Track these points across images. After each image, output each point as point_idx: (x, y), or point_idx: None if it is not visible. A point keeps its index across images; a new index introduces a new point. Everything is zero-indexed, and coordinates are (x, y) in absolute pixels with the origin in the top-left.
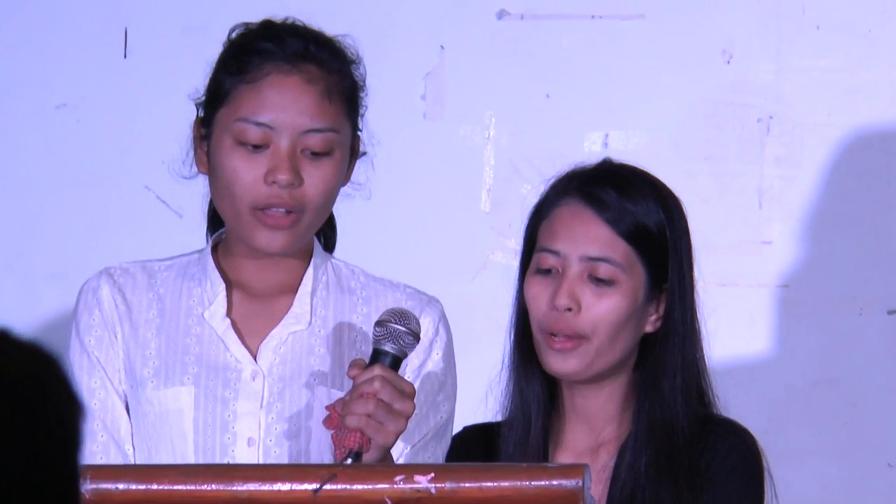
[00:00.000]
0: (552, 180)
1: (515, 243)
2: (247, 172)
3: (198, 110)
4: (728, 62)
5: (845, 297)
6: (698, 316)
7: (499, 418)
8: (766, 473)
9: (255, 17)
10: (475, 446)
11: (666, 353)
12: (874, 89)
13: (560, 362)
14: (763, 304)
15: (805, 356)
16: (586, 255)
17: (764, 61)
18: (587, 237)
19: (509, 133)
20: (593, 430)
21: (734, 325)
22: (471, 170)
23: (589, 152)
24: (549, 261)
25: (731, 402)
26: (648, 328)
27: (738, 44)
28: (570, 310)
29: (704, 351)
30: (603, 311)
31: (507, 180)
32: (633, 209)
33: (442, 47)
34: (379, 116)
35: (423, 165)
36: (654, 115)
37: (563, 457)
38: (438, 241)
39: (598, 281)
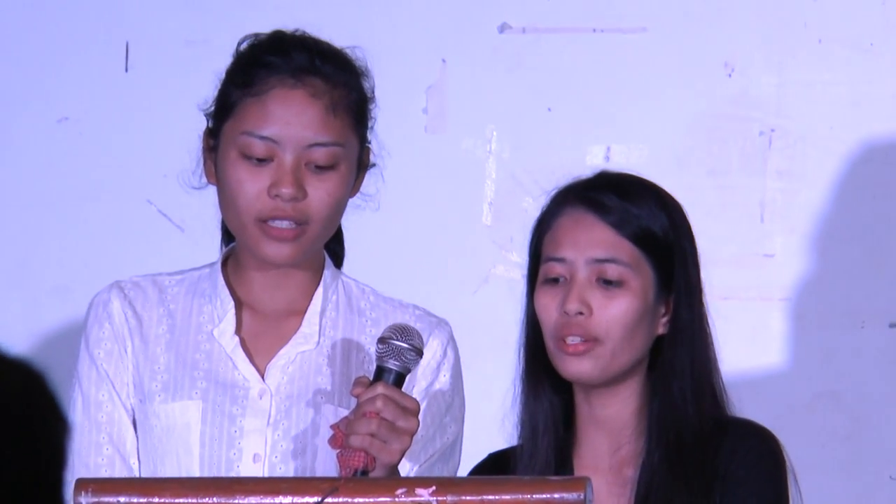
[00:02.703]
0: (552, 193)
1: (518, 256)
2: (251, 185)
3: (207, 121)
4: (730, 75)
5: (847, 310)
6: (708, 317)
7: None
8: (789, 474)
9: (257, 30)
10: (497, 472)
11: (674, 353)
12: (876, 102)
13: (575, 365)
14: (765, 318)
15: (807, 369)
16: (593, 258)
17: (766, 75)
18: (592, 241)
19: (511, 146)
20: (612, 437)
21: (736, 339)
22: (472, 183)
23: (591, 166)
24: (557, 269)
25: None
26: (660, 330)
27: (739, 57)
28: (581, 314)
29: (716, 352)
30: (614, 312)
31: (509, 193)
32: (636, 212)
33: (444, 61)
34: (381, 129)
35: (425, 179)
36: (655, 128)
37: (587, 472)
38: (440, 254)
39: (608, 283)
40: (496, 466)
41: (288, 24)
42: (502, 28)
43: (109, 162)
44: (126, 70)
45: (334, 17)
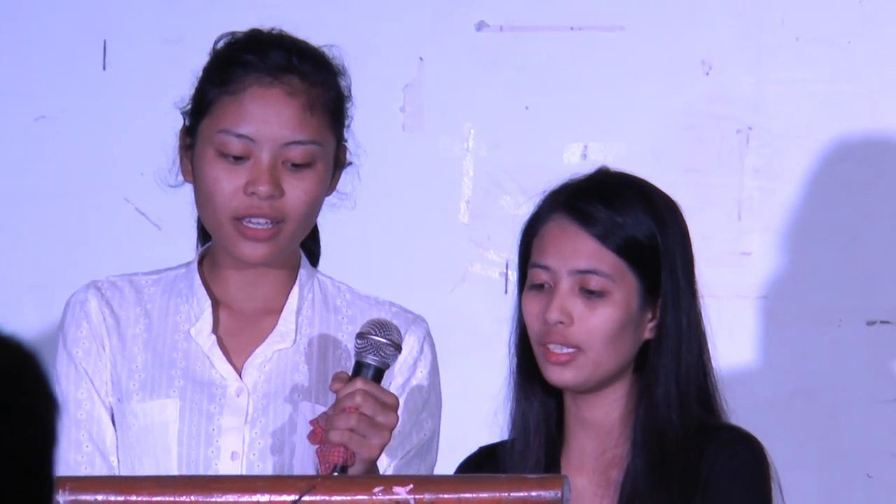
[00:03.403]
0: (545, 193)
1: (495, 255)
2: (227, 183)
3: (184, 119)
4: (707, 74)
5: (824, 308)
6: (702, 321)
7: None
8: (773, 482)
9: (235, 29)
10: (487, 466)
11: (659, 359)
12: (853, 100)
13: (558, 374)
14: (742, 316)
15: (784, 367)
16: (575, 269)
17: (743, 73)
18: (575, 252)
19: (488, 145)
20: (599, 439)
21: (713, 337)
22: (450, 181)
23: (568, 164)
24: (541, 276)
25: None
26: (647, 335)
27: (717, 55)
28: (561, 322)
29: (710, 356)
30: (595, 322)
31: (486, 192)
32: (621, 222)
33: (421, 59)
34: (358, 128)
35: (402, 177)
36: (633, 126)
37: (572, 472)
38: (417, 252)
39: (589, 293)
40: (487, 460)
41: (266, 22)
42: (480, 26)
43: (87, 160)
44: (104, 68)
45: (312, 16)
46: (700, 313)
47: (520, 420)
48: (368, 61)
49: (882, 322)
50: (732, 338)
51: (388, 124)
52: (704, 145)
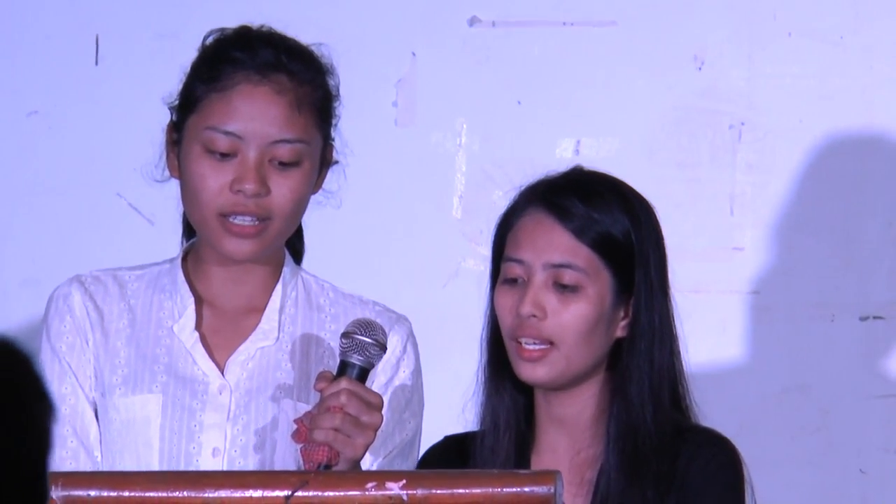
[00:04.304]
0: (519, 189)
1: (487, 250)
2: (213, 180)
3: (171, 114)
4: (700, 68)
5: (817, 303)
6: (674, 321)
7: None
8: (746, 484)
9: (227, 24)
10: (453, 455)
11: (632, 357)
12: (846, 96)
13: (529, 370)
14: (734, 311)
15: (777, 362)
16: (549, 263)
17: (736, 68)
18: (550, 245)
19: (481, 140)
20: (572, 437)
21: (705, 332)
22: (442, 176)
23: (560, 159)
24: (515, 270)
25: (703, 409)
26: (620, 333)
27: (709, 50)
28: (534, 316)
29: (682, 357)
30: (569, 317)
31: (479, 187)
32: (597, 217)
33: (413, 54)
34: (350, 123)
35: (395, 172)
36: (625, 121)
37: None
38: (410, 248)
39: (563, 287)
40: (453, 449)
41: (258, 18)
42: (472, 21)
43: (79, 155)
44: (96, 63)
45: (305, 11)
46: (672, 314)
47: (489, 415)
48: (361, 56)
49: (875, 317)
50: (725, 333)
51: (381, 119)
52: (697, 140)
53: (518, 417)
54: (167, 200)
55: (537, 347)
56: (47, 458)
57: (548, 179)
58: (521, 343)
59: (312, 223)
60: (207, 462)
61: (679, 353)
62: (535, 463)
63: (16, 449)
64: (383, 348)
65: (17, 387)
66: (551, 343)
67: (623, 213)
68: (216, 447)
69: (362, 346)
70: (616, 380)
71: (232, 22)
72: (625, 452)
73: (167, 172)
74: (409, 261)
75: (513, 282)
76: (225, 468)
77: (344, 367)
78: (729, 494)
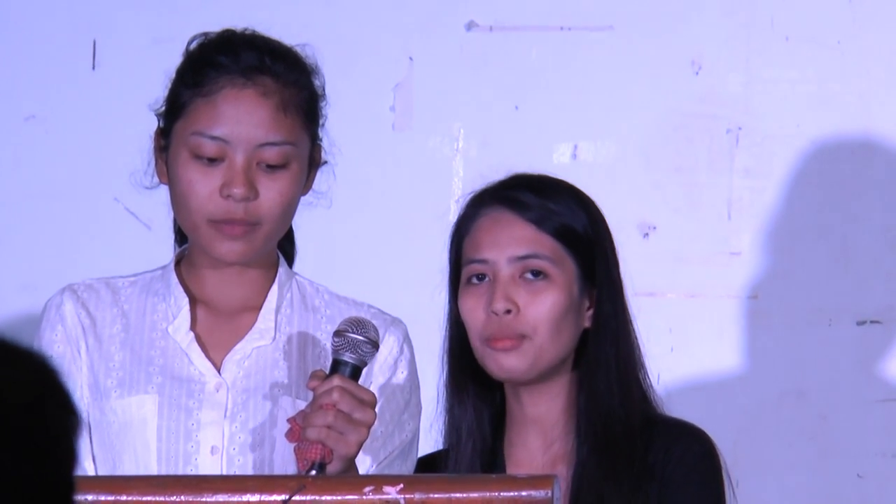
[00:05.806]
0: (466, 198)
1: None
2: (202, 186)
3: (158, 120)
4: (697, 73)
5: (814, 308)
6: (629, 313)
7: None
8: (724, 474)
9: (225, 28)
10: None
11: (599, 347)
12: (843, 100)
13: (503, 361)
14: (732, 316)
15: (774, 367)
16: (514, 256)
17: (733, 72)
18: (513, 239)
19: (478, 144)
20: (543, 435)
21: (703, 337)
22: (440, 181)
23: (558, 164)
24: (479, 269)
25: (700, 414)
26: (586, 323)
27: (707, 55)
28: (508, 312)
29: (641, 349)
30: (541, 307)
31: None
32: (555, 209)
33: (411, 59)
34: (348, 127)
35: (392, 177)
36: (623, 126)
37: (518, 471)
38: (407, 252)
39: (534, 275)
40: (425, 470)
41: (254, 23)
42: (469, 26)
43: (76, 160)
44: (93, 68)
45: (301, 16)
46: (629, 310)
47: (452, 427)
48: (358, 61)
49: (872, 322)
50: (722, 338)
51: (378, 124)
52: (694, 145)
53: (481, 426)
54: (164, 205)
55: (510, 341)
56: (73, 473)
57: (496, 182)
58: (492, 339)
59: (309, 228)
60: (206, 461)
61: (638, 344)
62: (509, 464)
63: (42, 467)
64: (375, 346)
65: (44, 404)
66: (524, 336)
67: (579, 207)
68: (214, 445)
69: (354, 344)
70: (583, 370)
71: (230, 26)
72: (597, 441)
73: (156, 179)
74: (405, 265)
75: (478, 283)
76: (224, 466)
77: (336, 366)
78: (709, 485)
